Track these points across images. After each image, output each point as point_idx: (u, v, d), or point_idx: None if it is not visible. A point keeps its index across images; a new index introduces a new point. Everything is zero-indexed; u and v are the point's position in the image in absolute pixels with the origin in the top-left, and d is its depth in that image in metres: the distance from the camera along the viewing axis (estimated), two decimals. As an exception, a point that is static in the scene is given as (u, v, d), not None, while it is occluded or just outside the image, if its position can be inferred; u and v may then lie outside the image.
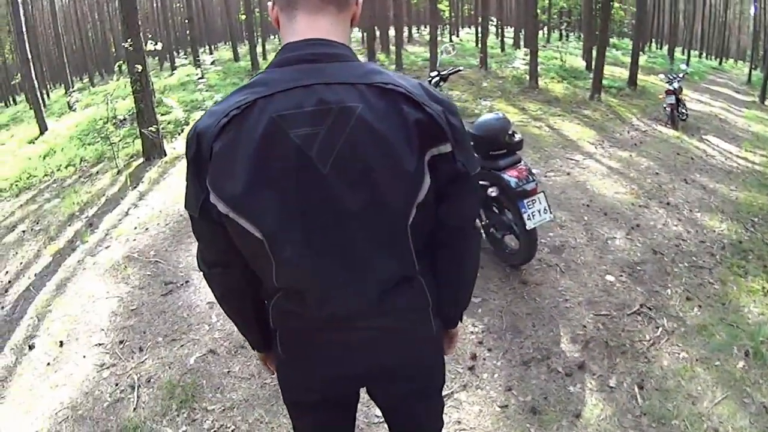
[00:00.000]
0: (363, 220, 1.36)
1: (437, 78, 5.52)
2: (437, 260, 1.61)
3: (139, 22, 9.90)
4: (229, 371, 4.10)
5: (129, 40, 9.38)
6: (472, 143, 4.82)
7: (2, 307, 5.85)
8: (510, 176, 4.47)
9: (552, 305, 4.55)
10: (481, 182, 4.60)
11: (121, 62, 10.24)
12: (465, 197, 1.51)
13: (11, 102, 41.61)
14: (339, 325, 1.52)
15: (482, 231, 5.03)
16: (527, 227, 4.43)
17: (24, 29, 16.27)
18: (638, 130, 11.87)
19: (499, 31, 32.66)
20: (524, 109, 13.01)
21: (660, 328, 4.24)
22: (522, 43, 29.58)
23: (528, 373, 3.80)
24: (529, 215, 4.42)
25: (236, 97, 1.34)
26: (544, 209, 4.50)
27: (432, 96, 1.38)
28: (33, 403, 4.21)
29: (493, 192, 4.56)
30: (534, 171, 4.74)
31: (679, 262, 5.27)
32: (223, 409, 3.71)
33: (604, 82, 15.93)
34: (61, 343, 4.86)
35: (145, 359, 4.38)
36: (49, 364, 4.64)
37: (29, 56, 16.48)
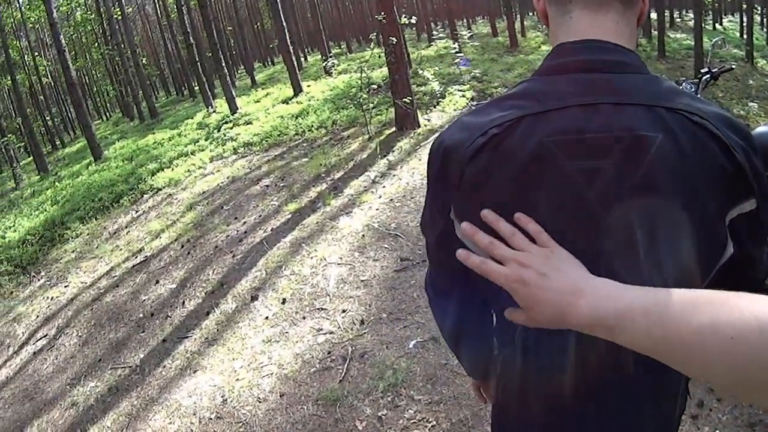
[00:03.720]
0: (642, 282, 1.08)
1: (708, 76, 5.09)
2: None
3: None
4: (446, 363, 4.15)
5: (382, 12, 10.12)
6: None
7: (233, 256, 6.38)
8: None
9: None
10: None
11: (375, 33, 10.61)
12: (762, 261, 1.24)
13: (269, 63, 46.49)
14: (578, 395, 1.31)
15: None
16: None
17: (277, 1, 17.98)
18: None
19: (765, 20, 29.70)
20: (795, 117, 11.65)
21: None
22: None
23: None
24: None
25: (495, 110, 1.16)
26: None
27: (735, 129, 1.11)
28: (242, 352, 4.70)
29: None
30: None
31: None
32: (430, 402, 3.79)
33: None
34: (284, 301, 5.33)
35: (364, 333, 4.64)
36: (267, 318, 5.12)
37: (284, 23, 18.15)
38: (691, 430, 3.50)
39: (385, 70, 12.06)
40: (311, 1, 28.51)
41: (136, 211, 9.69)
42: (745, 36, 20.42)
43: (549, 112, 1.10)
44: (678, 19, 37.71)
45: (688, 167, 1.06)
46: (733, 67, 5.85)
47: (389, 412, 3.69)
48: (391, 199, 7.24)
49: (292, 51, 18.63)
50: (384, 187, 7.78)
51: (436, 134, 8.97)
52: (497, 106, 1.17)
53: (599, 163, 1.08)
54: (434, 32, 29.18)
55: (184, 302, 5.68)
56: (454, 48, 16.45)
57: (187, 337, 5.01)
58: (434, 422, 3.56)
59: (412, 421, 3.59)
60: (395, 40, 10.10)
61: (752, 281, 1.24)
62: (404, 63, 10.66)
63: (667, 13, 33.91)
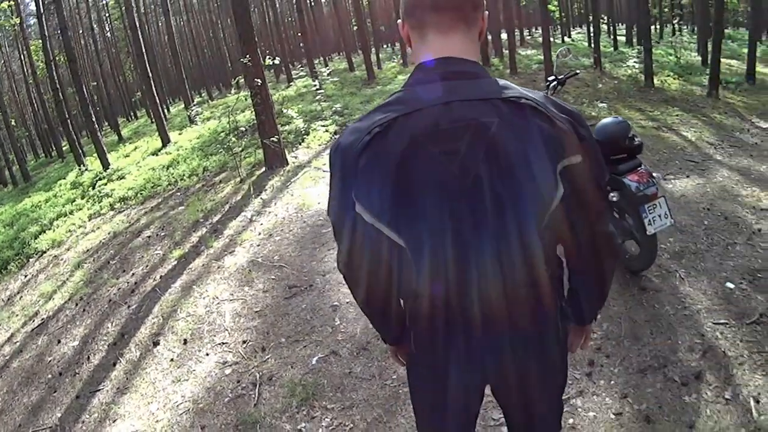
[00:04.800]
0: (499, 228, 1.50)
1: (554, 82, 5.59)
2: (576, 260, 1.76)
3: (256, 39, 10.49)
4: (350, 372, 4.30)
5: (247, 56, 10.09)
6: None
7: (129, 306, 6.28)
8: (631, 181, 4.52)
9: (671, 312, 4.45)
10: None
11: (240, 77, 10.69)
12: (596, 203, 1.64)
13: (132, 117, 44.74)
14: (471, 328, 1.64)
15: None
16: (648, 232, 4.46)
17: (143, 51, 17.79)
18: (759, 128, 11.16)
19: (611, 28, 31.97)
20: (641, 110, 12.67)
21: (781, 341, 4.13)
22: (635, 40, 28.85)
23: (644, 381, 3.80)
24: (649, 220, 4.45)
25: (376, 115, 1.49)
26: (665, 214, 4.50)
27: (560, 108, 1.53)
28: (155, 395, 4.62)
29: (614, 197, 4.65)
30: (654, 174, 4.69)
31: (805, 271, 4.98)
32: (343, 408, 3.92)
33: (721, 76, 15.14)
34: (185, 341, 5.27)
35: (268, 358, 4.68)
36: (172, 360, 5.05)
37: (149, 74, 17.77)
38: (588, 386, 3.77)
39: (249, 114, 12.05)
40: (173, 50, 27.38)
41: (26, 276, 9.19)
42: (592, 45, 21.61)
43: (416, 111, 1.43)
44: (528, 37, 39.38)
45: (519, 137, 1.42)
46: (578, 72, 6.33)
47: (308, 424, 3.77)
48: (270, 234, 7.31)
49: (158, 102, 18.33)
50: (261, 224, 7.83)
51: (305, 169, 9.11)
52: (378, 111, 1.49)
53: (455, 145, 1.42)
54: (293, 72, 29.23)
55: (89, 357, 5.48)
56: (315, 85, 16.64)
57: (99, 389, 4.84)
58: (351, 425, 3.70)
59: (331, 428, 3.71)
60: (260, 81, 10.11)
61: (584, 220, 1.62)
62: (270, 103, 10.67)
63: (517, 32, 35.30)
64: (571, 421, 3.50)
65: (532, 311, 1.65)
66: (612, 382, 3.81)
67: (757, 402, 3.52)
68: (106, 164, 16.49)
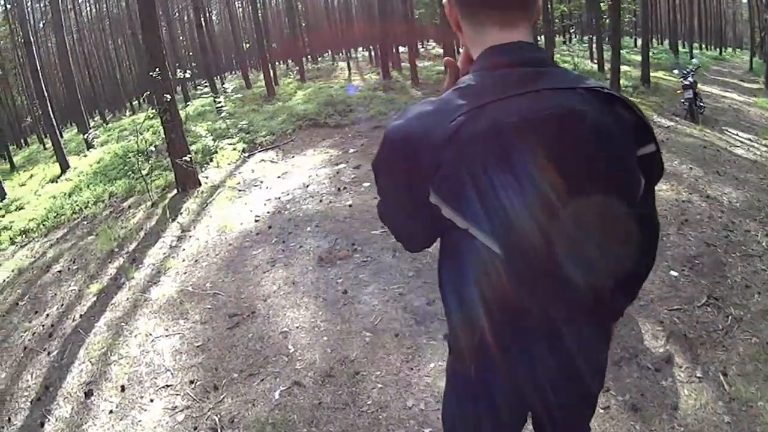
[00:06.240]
0: (596, 222, 1.33)
1: None
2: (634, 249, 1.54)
3: (164, 52, 9.58)
4: (320, 402, 3.80)
5: (156, 69, 9.22)
6: None
7: (49, 353, 5.41)
8: None
9: (627, 306, 4.37)
10: None
11: (148, 92, 9.89)
12: (654, 194, 1.53)
13: (23, 144, 41.67)
14: (548, 331, 1.44)
15: None
16: None
17: (38, 68, 16.38)
18: (661, 127, 12.27)
19: None
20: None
21: (729, 317, 4.44)
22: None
23: (621, 372, 3.86)
24: None
25: (454, 100, 1.26)
26: None
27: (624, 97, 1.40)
28: None
29: None
30: None
31: (731, 252, 5.53)
32: None
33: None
34: (123, 388, 4.49)
35: (223, 398, 4.05)
36: (112, 411, 4.26)
37: (45, 94, 16.42)
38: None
39: (151, 135, 11.22)
40: (66, 70, 23.33)
41: None
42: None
43: (506, 98, 1.22)
44: (422, 49, 40.30)
45: (610, 125, 1.27)
46: None
47: (288, 467, 3.19)
48: (196, 260, 6.60)
49: (56, 125, 17.08)
50: (184, 249, 7.08)
51: (219, 189, 8.39)
52: (454, 97, 1.26)
53: (550, 133, 1.22)
54: (190, 91, 28.22)
55: (9, 419, 4.55)
56: (220, 102, 16.01)
57: (29, 458, 3.96)
58: (337, 460, 3.15)
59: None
60: (170, 96, 9.28)
61: (649, 211, 1.50)
62: (179, 120, 9.81)
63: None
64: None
65: (609, 309, 1.54)
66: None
67: (725, 375, 3.75)
68: (2, 194, 14.92)
